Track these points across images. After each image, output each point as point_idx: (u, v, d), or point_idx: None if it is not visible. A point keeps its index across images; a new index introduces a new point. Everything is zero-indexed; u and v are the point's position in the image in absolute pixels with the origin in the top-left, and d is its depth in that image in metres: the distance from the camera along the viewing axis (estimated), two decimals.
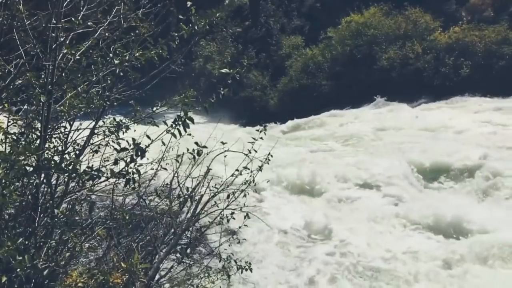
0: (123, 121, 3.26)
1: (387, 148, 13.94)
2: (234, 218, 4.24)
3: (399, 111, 18.54)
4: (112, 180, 3.13)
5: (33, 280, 2.62)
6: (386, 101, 19.92)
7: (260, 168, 4.30)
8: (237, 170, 4.31)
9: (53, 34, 2.81)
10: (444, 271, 7.06)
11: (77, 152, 3.25)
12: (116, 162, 3.00)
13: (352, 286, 6.92)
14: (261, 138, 4.26)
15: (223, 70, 3.62)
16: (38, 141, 2.90)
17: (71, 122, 3.37)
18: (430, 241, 8.13)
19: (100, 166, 3.14)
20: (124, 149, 2.95)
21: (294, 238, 8.47)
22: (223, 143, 4.09)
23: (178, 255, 3.89)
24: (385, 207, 9.65)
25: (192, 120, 3.08)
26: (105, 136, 3.32)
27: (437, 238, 8.22)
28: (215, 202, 4.17)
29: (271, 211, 9.38)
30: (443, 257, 7.37)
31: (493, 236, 7.71)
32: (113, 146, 3.16)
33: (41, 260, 2.61)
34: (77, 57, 3.05)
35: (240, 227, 4.44)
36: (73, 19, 3.01)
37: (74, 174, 2.68)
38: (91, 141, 3.37)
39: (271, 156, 4.43)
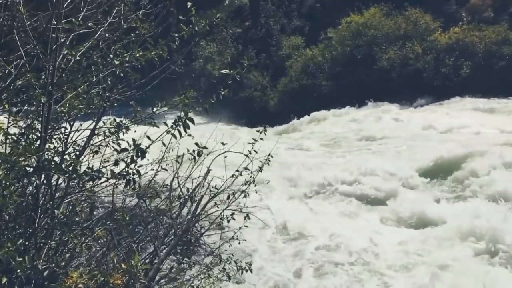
0: (123, 121, 3.25)
1: (367, 149, 14.78)
2: (234, 219, 4.24)
3: (387, 112, 19.00)
4: (112, 181, 3.13)
5: (33, 281, 2.61)
6: (376, 102, 20.33)
7: (260, 169, 4.30)
8: (237, 171, 4.30)
9: (53, 35, 2.81)
10: (418, 258, 7.63)
11: (77, 152, 3.25)
12: (116, 163, 3.00)
13: (336, 277, 7.34)
14: (261, 139, 4.26)
15: (223, 71, 3.62)
16: (38, 142, 2.90)
17: (71, 123, 3.37)
18: (404, 234, 8.69)
19: (100, 167, 3.14)
20: (125, 149, 2.95)
21: (278, 234, 8.93)
22: (223, 143, 4.09)
23: (178, 256, 3.89)
24: (361, 204, 10.31)
25: (192, 121, 3.08)
26: (105, 137, 3.32)
27: (410, 231, 8.85)
28: (215, 203, 4.17)
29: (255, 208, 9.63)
30: (416, 247, 7.96)
31: (458, 225, 8.36)
32: (113, 147, 3.15)
33: (41, 261, 2.60)
34: (78, 58, 3.05)
35: (240, 228, 4.44)
36: (73, 20, 3.01)
37: (74, 175, 2.67)
38: (91, 142, 3.37)
39: (271, 156, 4.43)
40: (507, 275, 7.02)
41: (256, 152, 4.24)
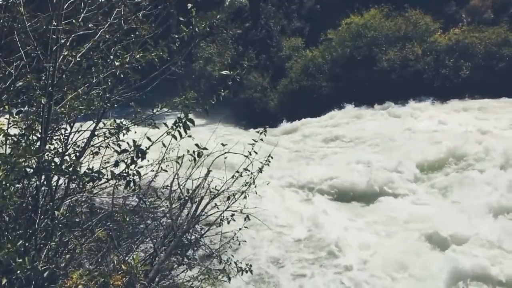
0: (124, 122, 3.26)
1: (338, 147, 16.09)
2: (234, 220, 4.23)
3: (362, 116, 19.71)
4: (112, 182, 3.13)
5: (33, 282, 2.61)
6: (355, 107, 20.90)
7: (260, 170, 4.30)
8: (237, 171, 4.30)
9: (53, 36, 2.81)
10: (375, 244, 8.65)
11: (78, 153, 3.26)
12: (116, 164, 3.00)
13: (315, 265, 8.10)
14: (261, 139, 4.26)
15: (223, 72, 3.62)
16: (38, 143, 2.90)
17: (72, 124, 3.37)
18: (362, 223, 9.78)
19: (101, 168, 3.14)
20: (125, 150, 2.95)
21: (258, 225, 9.36)
22: (223, 144, 4.09)
23: (178, 257, 3.89)
24: (328, 198, 11.34)
25: (192, 122, 3.08)
26: (106, 138, 3.32)
27: (367, 220, 9.95)
28: (215, 204, 4.17)
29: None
30: (368, 235, 9.03)
31: (407, 216, 9.66)
32: (113, 148, 3.15)
33: (41, 262, 2.60)
34: (78, 59, 3.05)
35: (240, 229, 4.43)
36: (73, 21, 3.01)
37: (75, 176, 2.67)
38: (92, 143, 3.37)
39: (272, 157, 4.43)
40: (440, 255, 7.99)
41: (256, 153, 4.24)
